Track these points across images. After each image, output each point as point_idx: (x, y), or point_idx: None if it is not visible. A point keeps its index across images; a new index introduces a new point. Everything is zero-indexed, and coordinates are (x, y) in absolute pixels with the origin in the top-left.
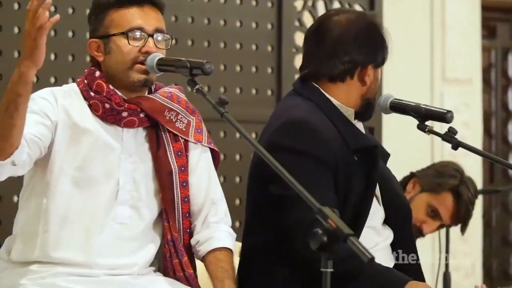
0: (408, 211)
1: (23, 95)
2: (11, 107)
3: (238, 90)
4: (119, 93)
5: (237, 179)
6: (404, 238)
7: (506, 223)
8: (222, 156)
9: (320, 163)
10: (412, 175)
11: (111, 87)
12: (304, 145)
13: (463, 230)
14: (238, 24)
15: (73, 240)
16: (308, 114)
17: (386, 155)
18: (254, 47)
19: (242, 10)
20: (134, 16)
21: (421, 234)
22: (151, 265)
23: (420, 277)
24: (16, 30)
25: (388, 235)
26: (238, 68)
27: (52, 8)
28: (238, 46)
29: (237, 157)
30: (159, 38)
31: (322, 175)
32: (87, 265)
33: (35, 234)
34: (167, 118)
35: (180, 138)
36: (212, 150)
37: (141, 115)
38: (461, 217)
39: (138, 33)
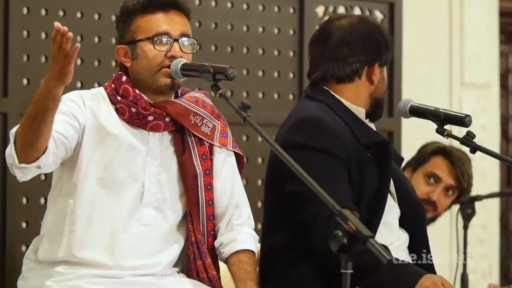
0: (421, 210)
1: (51, 109)
2: (39, 118)
3: (260, 95)
4: (145, 98)
5: (259, 182)
6: (419, 237)
7: None
8: (244, 159)
9: (334, 157)
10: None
11: (137, 91)
12: (316, 141)
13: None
14: (260, 29)
15: (98, 241)
16: (319, 112)
17: (400, 159)
18: (276, 52)
19: (264, 16)
20: (160, 21)
21: (434, 207)
22: (175, 266)
23: None
24: (43, 35)
25: (404, 238)
26: (260, 73)
27: (79, 14)
28: (260, 51)
29: (259, 160)
30: (185, 42)
31: (336, 169)
32: (111, 266)
33: (61, 234)
34: (193, 122)
35: (205, 141)
36: (236, 154)
37: (167, 119)
38: (460, 173)
39: (163, 38)
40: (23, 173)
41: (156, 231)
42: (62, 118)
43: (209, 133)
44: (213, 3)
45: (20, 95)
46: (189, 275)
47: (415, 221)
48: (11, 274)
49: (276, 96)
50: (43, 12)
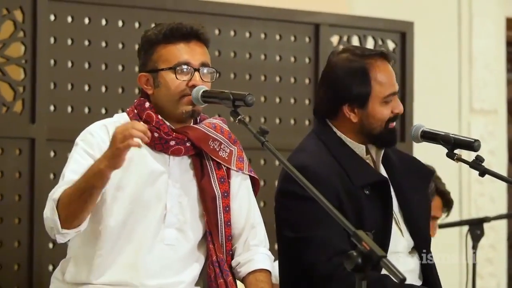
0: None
1: (98, 187)
2: (86, 194)
3: (277, 120)
4: (167, 123)
5: None
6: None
7: None
8: (262, 183)
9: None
10: None
11: (159, 117)
12: (304, 190)
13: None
14: (277, 58)
15: (123, 262)
16: (309, 159)
17: (427, 174)
18: (292, 79)
19: (281, 45)
20: (181, 51)
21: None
22: (196, 284)
23: None
24: (70, 64)
25: (414, 264)
26: (277, 100)
27: (103, 44)
28: (277, 79)
29: (277, 183)
30: (205, 71)
31: (326, 213)
32: (136, 285)
33: (87, 258)
34: (211, 147)
35: (222, 165)
36: (252, 178)
37: (188, 144)
38: (449, 205)
39: (185, 68)
40: (64, 237)
41: (178, 250)
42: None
43: (226, 158)
44: (232, 33)
45: (47, 121)
46: None
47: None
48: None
49: (292, 121)
50: (69, 41)
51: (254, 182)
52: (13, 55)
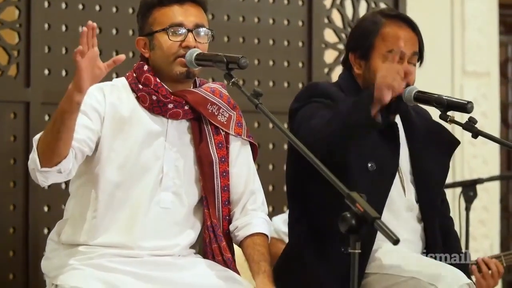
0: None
1: (67, 112)
2: (58, 123)
3: (271, 83)
4: (166, 86)
5: (270, 167)
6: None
7: None
8: (257, 149)
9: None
10: None
11: (158, 80)
12: (306, 98)
13: None
14: (271, 21)
15: (119, 224)
16: (323, 83)
17: (452, 144)
18: (286, 43)
19: (274, 8)
20: (175, 13)
21: None
22: (192, 247)
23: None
24: (64, 28)
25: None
26: (271, 63)
27: (97, 8)
28: (271, 42)
29: (270, 146)
30: (200, 33)
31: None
32: (131, 247)
33: (83, 220)
34: (210, 111)
35: (221, 130)
36: (250, 144)
37: (186, 107)
38: None
39: (178, 29)
40: (45, 177)
41: (174, 214)
42: (83, 121)
43: (225, 122)
44: None
45: (42, 85)
46: (205, 258)
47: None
48: (34, 255)
49: (286, 84)
50: (63, 5)
51: (253, 148)
52: (7, 19)
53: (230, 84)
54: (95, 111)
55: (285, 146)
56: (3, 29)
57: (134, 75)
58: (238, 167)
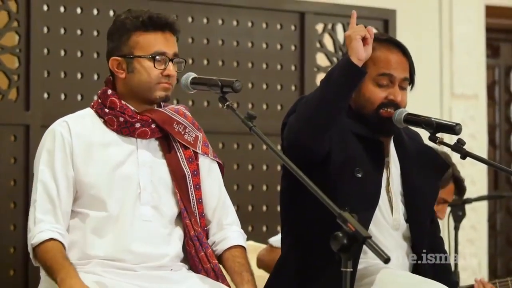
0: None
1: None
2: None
3: (264, 106)
4: (131, 107)
5: (264, 187)
6: (420, 237)
7: (510, 226)
8: (250, 167)
9: None
10: None
11: (123, 102)
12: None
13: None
14: (264, 45)
15: (107, 240)
16: None
17: (442, 167)
18: (279, 66)
19: (267, 33)
20: (158, 41)
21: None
22: (182, 261)
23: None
24: (62, 52)
25: (400, 245)
26: (264, 86)
27: (95, 33)
28: (264, 66)
29: (264, 167)
30: (177, 61)
31: None
32: (122, 259)
33: (75, 242)
34: (176, 130)
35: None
36: (218, 163)
37: (153, 126)
38: (461, 192)
39: (162, 58)
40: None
41: (156, 227)
42: (62, 187)
43: (192, 142)
44: (220, 21)
45: (41, 108)
46: (192, 270)
47: (417, 220)
48: (34, 274)
49: (279, 107)
50: (62, 31)
51: (220, 168)
52: (8, 44)
53: (225, 107)
54: (63, 153)
55: (279, 167)
56: (3, 54)
57: (99, 100)
58: (209, 182)
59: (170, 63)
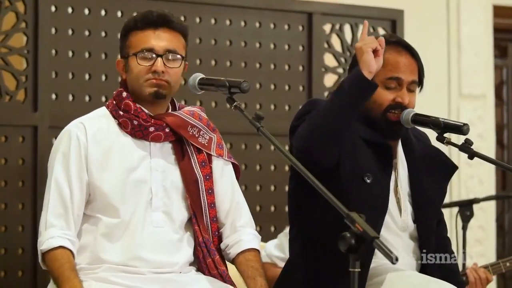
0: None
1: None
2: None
3: (272, 107)
4: (146, 110)
5: (272, 188)
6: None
7: None
8: (258, 167)
9: None
10: None
11: (137, 105)
12: (306, 111)
13: None
14: (272, 46)
15: (118, 245)
16: (322, 99)
17: (450, 169)
18: (286, 67)
19: (275, 34)
20: (148, 38)
21: None
22: (191, 264)
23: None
24: (70, 53)
25: (407, 245)
26: (272, 87)
27: (103, 34)
28: (272, 66)
29: (272, 167)
30: (170, 57)
31: None
32: (133, 265)
33: (86, 245)
34: (190, 133)
35: (203, 150)
36: (233, 164)
37: (167, 130)
38: None
39: (148, 54)
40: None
41: (167, 233)
42: (76, 192)
43: (206, 144)
44: (228, 22)
45: (49, 109)
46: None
47: (424, 221)
48: (42, 275)
49: (287, 107)
50: (70, 32)
51: (235, 168)
52: (16, 46)
53: (233, 108)
54: (78, 156)
55: (286, 168)
56: (11, 55)
57: (114, 102)
58: (223, 186)
59: (159, 59)
